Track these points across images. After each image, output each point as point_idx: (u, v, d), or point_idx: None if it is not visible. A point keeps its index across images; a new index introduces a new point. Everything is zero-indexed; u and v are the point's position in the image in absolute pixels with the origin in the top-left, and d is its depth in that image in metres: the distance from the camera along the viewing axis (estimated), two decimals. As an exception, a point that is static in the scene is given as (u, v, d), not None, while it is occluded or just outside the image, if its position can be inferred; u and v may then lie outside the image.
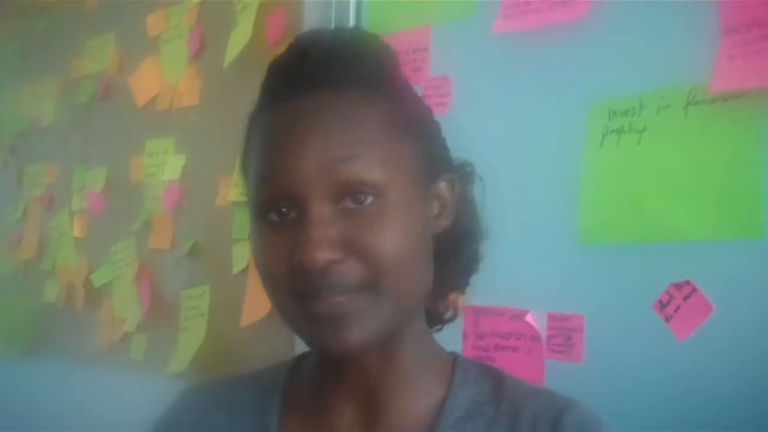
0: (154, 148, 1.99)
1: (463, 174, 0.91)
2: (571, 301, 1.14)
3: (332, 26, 1.51)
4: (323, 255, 0.74)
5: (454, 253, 0.89)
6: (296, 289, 0.77)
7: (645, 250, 1.08)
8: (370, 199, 0.77)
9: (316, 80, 0.80)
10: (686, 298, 1.03)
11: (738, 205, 1.01)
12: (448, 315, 0.94)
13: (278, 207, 0.78)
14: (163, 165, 1.95)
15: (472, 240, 0.91)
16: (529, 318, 1.17)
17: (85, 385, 2.11)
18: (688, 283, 1.03)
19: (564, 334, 1.14)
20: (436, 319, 0.94)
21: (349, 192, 0.76)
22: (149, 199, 1.99)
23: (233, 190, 1.70)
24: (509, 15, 1.25)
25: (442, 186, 0.85)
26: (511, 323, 1.19)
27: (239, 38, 1.70)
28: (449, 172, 0.87)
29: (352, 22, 1.51)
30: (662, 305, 1.05)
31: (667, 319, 1.05)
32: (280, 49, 1.58)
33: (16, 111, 2.69)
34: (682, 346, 1.03)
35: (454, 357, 0.89)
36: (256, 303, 1.60)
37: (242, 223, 1.67)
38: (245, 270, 1.66)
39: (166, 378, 1.80)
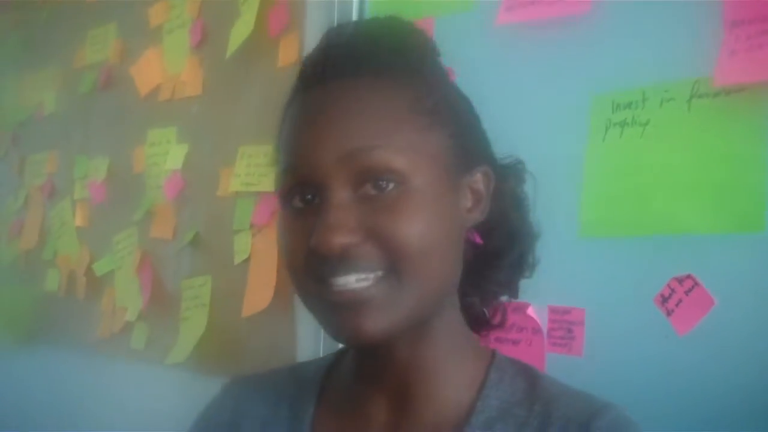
0: (157, 138, 1.99)
1: (513, 171, 0.90)
2: (573, 294, 1.14)
3: (335, 17, 1.52)
4: (338, 239, 0.75)
5: (500, 253, 0.88)
6: (314, 273, 0.77)
7: (647, 244, 1.08)
8: (391, 186, 0.76)
9: (337, 69, 0.81)
10: (688, 292, 1.03)
11: (740, 198, 1.01)
12: (496, 320, 0.93)
13: (303, 193, 0.79)
14: (166, 155, 1.94)
15: (520, 240, 0.90)
16: (530, 311, 1.17)
17: (86, 374, 2.12)
18: (689, 277, 1.03)
19: (565, 327, 1.14)
20: (483, 323, 0.93)
21: (369, 179, 0.77)
22: (151, 189, 1.99)
23: (235, 180, 1.70)
24: (512, 7, 1.25)
25: (478, 178, 0.84)
26: (512, 316, 1.18)
27: (242, 29, 1.70)
28: (486, 165, 0.85)
29: (355, 13, 1.50)
30: (664, 299, 1.05)
31: (669, 313, 1.05)
32: (283, 40, 1.60)
33: (18, 100, 2.69)
34: (683, 340, 1.03)
35: (492, 354, 0.88)
36: (258, 294, 1.60)
37: (243, 214, 1.67)
38: (246, 260, 1.66)
39: (166, 368, 1.80)
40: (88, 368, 2.12)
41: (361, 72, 0.80)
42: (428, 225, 0.77)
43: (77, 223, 2.29)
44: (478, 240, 0.88)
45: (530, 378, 0.85)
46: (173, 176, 1.90)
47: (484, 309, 0.92)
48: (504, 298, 0.94)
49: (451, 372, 0.84)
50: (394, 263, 0.76)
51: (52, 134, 2.47)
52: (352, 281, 0.76)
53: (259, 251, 1.63)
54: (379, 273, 0.76)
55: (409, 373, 0.83)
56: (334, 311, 0.78)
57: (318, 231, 0.75)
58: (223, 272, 1.73)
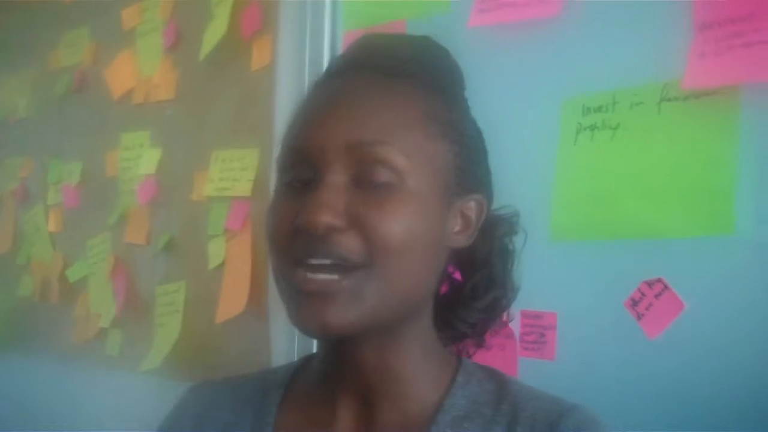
0: (130, 142, 1.97)
1: (507, 221, 0.93)
2: (544, 298, 1.13)
3: (307, 20, 1.51)
4: (325, 218, 0.76)
5: (475, 295, 0.90)
6: (293, 253, 0.78)
7: (617, 247, 1.08)
8: (384, 180, 0.78)
9: (366, 64, 0.83)
10: (658, 295, 1.03)
11: (710, 201, 1.01)
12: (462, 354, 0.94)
13: (300, 173, 0.80)
14: (139, 159, 1.93)
15: (497, 288, 0.92)
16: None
17: (61, 380, 2.10)
18: (659, 280, 1.03)
19: (537, 332, 1.13)
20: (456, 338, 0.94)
21: (367, 170, 0.78)
22: (125, 194, 1.97)
23: (209, 185, 1.69)
24: (484, 10, 1.24)
25: (470, 205, 0.86)
26: (485, 320, 1.19)
27: (215, 31, 1.69)
28: (482, 195, 0.87)
29: (327, 16, 1.50)
30: (634, 303, 1.05)
31: (639, 316, 1.05)
32: (256, 43, 1.59)
33: (-9, 103, 2.67)
34: (653, 344, 1.04)
35: (459, 360, 0.90)
36: (232, 299, 1.59)
37: (218, 219, 1.66)
38: (221, 266, 1.65)
39: (141, 374, 1.79)
40: (63, 375, 2.09)
41: (388, 71, 0.83)
42: (410, 227, 0.78)
43: (51, 228, 2.27)
44: (458, 276, 0.91)
45: (498, 381, 0.87)
46: (147, 180, 1.89)
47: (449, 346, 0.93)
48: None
49: (418, 375, 0.85)
50: (371, 256, 0.77)
51: (25, 138, 2.45)
52: (328, 268, 0.77)
53: (233, 256, 1.62)
54: (353, 263, 0.77)
55: (376, 376, 0.84)
56: (302, 300, 0.78)
57: (307, 207, 0.76)
58: (198, 277, 1.72)
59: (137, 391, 1.82)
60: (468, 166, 0.85)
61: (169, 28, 1.87)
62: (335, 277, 0.77)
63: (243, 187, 1.60)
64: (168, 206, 1.85)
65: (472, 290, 0.90)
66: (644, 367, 1.04)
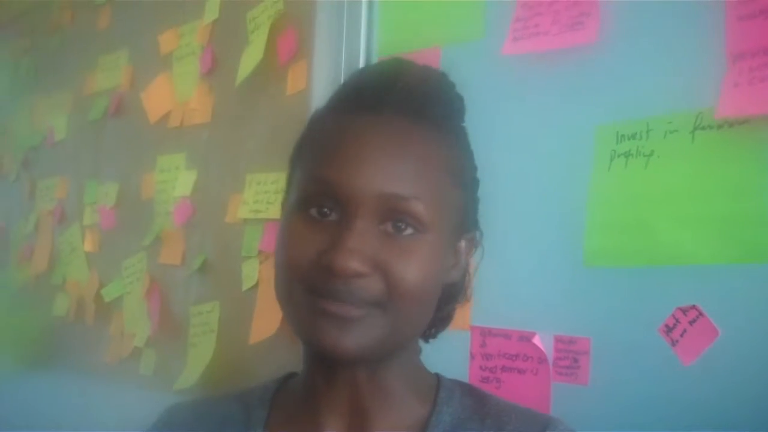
0: (166, 164, 2.00)
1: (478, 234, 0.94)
2: (578, 323, 1.14)
3: (343, 46, 1.53)
4: (355, 265, 0.78)
5: (439, 304, 0.91)
6: (313, 285, 0.80)
7: (651, 274, 1.08)
8: (410, 231, 0.81)
9: (399, 106, 0.84)
10: (692, 322, 1.03)
11: (744, 229, 1.01)
12: None
13: (322, 205, 0.81)
14: (175, 181, 1.96)
15: (454, 301, 0.95)
16: (536, 340, 1.17)
17: (95, 399, 2.12)
18: (694, 307, 1.03)
19: (571, 357, 1.14)
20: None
21: (395, 220, 0.81)
22: (160, 215, 2.00)
23: (243, 207, 1.71)
24: (519, 38, 1.26)
25: (463, 244, 0.90)
26: (519, 345, 1.20)
27: (251, 57, 1.72)
28: (472, 233, 0.91)
29: (362, 42, 1.52)
30: (668, 329, 1.05)
31: (673, 343, 1.05)
32: (291, 68, 1.62)
33: (30, 125, 2.71)
34: (688, 370, 1.04)
35: (437, 377, 0.93)
36: (265, 320, 1.60)
37: (252, 241, 1.68)
38: (254, 287, 1.66)
39: (175, 393, 1.81)
40: (97, 393, 2.12)
41: (419, 119, 0.84)
42: (428, 273, 0.82)
43: (87, 248, 2.30)
44: None
45: (477, 396, 0.91)
46: (182, 202, 1.92)
47: None
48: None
49: (406, 393, 0.89)
50: (390, 298, 0.80)
51: (62, 160, 2.49)
52: (347, 308, 0.80)
53: (267, 278, 1.64)
54: (373, 303, 0.80)
55: (367, 394, 0.87)
56: (319, 321, 0.80)
57: (337, 251, 0.78)
58: (231, 299, 1.74)
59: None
60: (470, 207, 0.90)
61: (206, 53, 1.90)
62: (353, 308, 0.80)
63: (277, 210, 1.61)
64: (203, 228, 1.87)
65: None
66: (678, 394, 1.04)
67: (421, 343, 0.95)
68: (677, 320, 1.05)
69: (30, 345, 2.55)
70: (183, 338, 1.85)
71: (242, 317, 1.67)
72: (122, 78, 2.23)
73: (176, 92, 2.01)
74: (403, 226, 0.81)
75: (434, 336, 0.98)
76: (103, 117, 2.29)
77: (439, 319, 0.95)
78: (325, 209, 0.81)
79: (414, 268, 0.80)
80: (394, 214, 0.80)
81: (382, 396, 0.87)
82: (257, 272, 1.66)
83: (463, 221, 0.88)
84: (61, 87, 2.54)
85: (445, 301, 0.93)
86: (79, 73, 2.43)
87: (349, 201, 0.80)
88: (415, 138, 0.83)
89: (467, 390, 0.92)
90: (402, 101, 0.84)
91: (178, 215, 1.92)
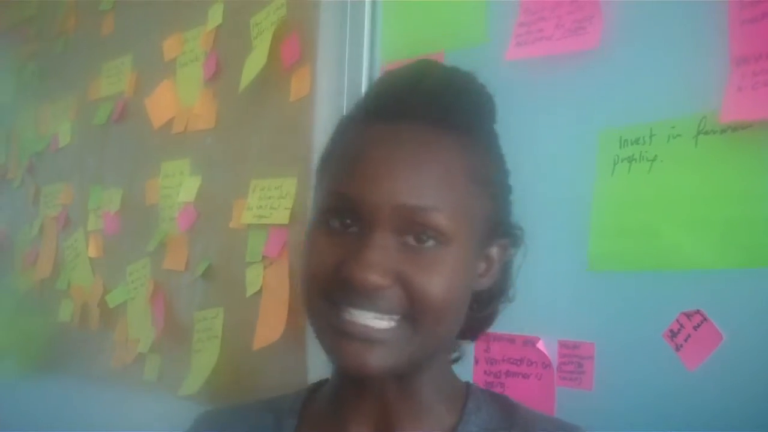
0: (170, 170, 2.01)
1: (513, 239, 0.93)
2: (582, 328, 1.14)
3: (346, 51, 1.53)
4: (374, 278, 0.77)
5: (479, 307, 0.91)
6: (333, 295, 0.80)
7: (655, 279, 1.08)
8: (431, 242, 0.80)
9: (421, 115, 0.82)
10: (696, 327, 1.03)
11: (748, 233, 1.01)
12: (454, 356, 0.97)
13: (343, 216, 0.81)
14: (179, 187, 1.96)
15: (499, 300, 0.94)
16: (540, 345, 1.17)
17: (99, 405, 2.12)
18: (698, 312, 1.03)
19: (575, 362, 1.14)
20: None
21: (416, 231, 0.79)
22: (164, 221, 2.00)
23: (247, 213, 1.71)
24: (522, 43, 1.26)
25: (494, 250, 0.88)
26: (523, 349, 1.20)
27: (255, 62, 1.72)
28: (505, 238, 0.89)
29: (366, 47, 1.52)
30: (672, 334, 1.05)
31: (678, 347, 1.05)
32: (295, 73, 1.62)
33: (34, 131, 2.72)
34: (692, 375, 1.03)
35: (467, 386, 0.92)
36: (269, 326, 1.61)
37: (256, 246, 1.68)
38: (258, 293, 1.66)
39: (178, 399, 1.81)
40: (101, 399, 2.12)
41: (442, 126, 0.82)
42: (452, 285, 0.80)
43: (91, 253, 2.31)
44: None
45: (506, 406, 0.90)
46: (186, 208, 1.92)
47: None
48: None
49: (435, 403, 0.88)
50: (414, 312, 0.79)
51: (66, 165, 2.49)
52: (369, 317, 0.79)
53: (270, 284, 1.64)
54: (396, 317, 0.79)
55: (396, 404, 0.87)
56: (343, 339, 0.80)
57: (357, 263, 0.78)
58: (235, 304, 1.74)
59: (175, 416, 1.84)
60: (500, 215, 0.88)
61: (210, 59, 1.91)
62: (378, 326, 0.79)
63: (281, 216, 1.62)
64: (207, 233, 1.87)
65: (475, 301, 0.90)
66: (683, 399, 1.04)
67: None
68: (681, 325, 1.04)
69: (34, 350, 2.55)
70: (187, 344, 1.85)
71: (246, 323, 1.67)
72: (126, 84, 2.23)
73: (180, 98, 2.01)
74: (424, 238, 0.79)
75: (476, 336, 0.98)
76: (107, 123, 2.29)
77: (480, 320, 0.93)
78: (347, 221, 0.81)
79: (437, 281, 0.79)
80: (414, 226, 0.79)
81: (411, 406, 0.87)
82: (261, 278, 1.66)
83: (490, 231, 0.86)
84: (65, 93, 2.55)
85: (486, 303, 0.92)
86: (83, 78, 2.43)
87: (369, 214, 0.79)
88: (436, 146, 0.81)
89: (497, 400, 0.91)
90: (422, 108, 0.82)
91: (182, 221, 1.93)
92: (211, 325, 1.79)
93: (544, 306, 1.18)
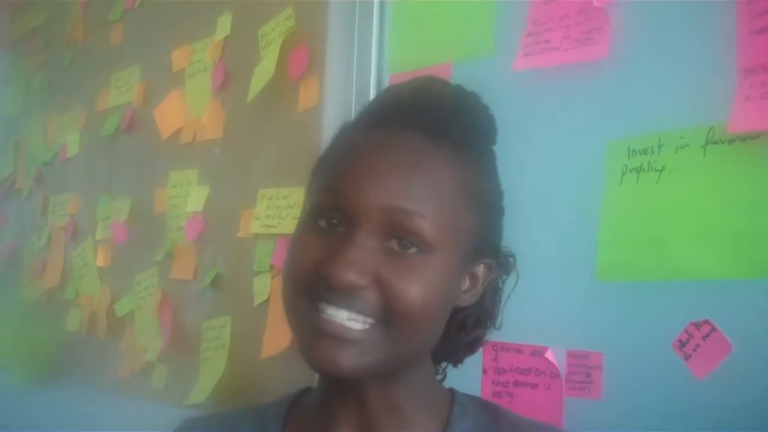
0: (178, 180, 2.01)
1: (504, 263, 0.94)
2: (591, 338, 1.14)
3: (354, 62, 1.54)
4: (352, 277, 0.78)
5: (464, 329, 0.93)
6: (312, 293, 0.80)
7: (664, 289, 1.08)
8: (414, 250, 0.80)
9: (421, 124, 0.83)
10: (705, 337, 1.03)
11: (756, 244, 1.01)
12: (438, 377, 0.98)
13: (331, 217, 0.81)
14: (187, 196, 1.97)
15: (485, 324, 0.95)
16: (548, 355, 1.17)
17: (106, 414, 2.12)
18: (707, 322, 1.03)
19: (583, 372, 1.14)
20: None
21: (399, 236, 0.80)
22: (172, 230, 2.01)
23: (255, 222, 1.71)
24: (530, 53, 1.26)
25: (480, 268, 0.89)
26: (531, 359, 1.20)
27: (263, 73, 1.73)
28: (492, 258, 0.89)
29: (374, 58, 1.52)
30: (681, 344, 1.05)
31: (687, 357, 1.05)
32: (303, 84, 1.63)
33: (42, 141, 2.73)
34: (701, 385, 1.03)
35: (452, 392, 0.93)
36: (277, 335, 1.61)
37: (264, 256, 1.69)
38: (266, 302, 1.67)
39: (186, 408, 1.81)
40: (109, 408, 2.12)
41: (438, 138, 0.83)
42: (431, 294, 0.81)
43: (99, 263, 2.31)
44: None
45: (492, 411, 0.90)
46: (194, 217, 1.92)
47: None
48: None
49: (418, 410, 0.88)
50: (389, 316, 0.79)
51: (75, 175, 2.51)
52: (344, 317, 0.79)
53: (278, 293, 1.63)
54: (371, 320, 0.80)
55: (378, 411, 0.87)
56: (316, 337, 0.80)
57: (335, 262, 0.78)
58: (243, 313, 1.74)
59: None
60: (488, 234, 0.88)
61: (218, 69, 1.91)
62: (353, 326, 0.79)
63: (288, 225, 1.63)
64: (215, 243, 1.88)
65: (460, 325, 0.92)
66: (692, 409, 1.04)
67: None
68: (690, 335, 1.05)
69: (42, 359, 2.55)
70: (195, 353, 1.86)
71: (254, 332, 1.68)
72: (135, 94, 2.24)
73: (188, 108, 2.02)
74: (408, 245, 0.80)
75: (460, 361, 0.98)
76: (115, 133, 2.30)
77: (465, 344, 0.94)
78: (334, 221, 0.81)
79: (415, 288, 0.79)
80: (397, 230, 0.80)
81: (393, 413, 0.87)
82: (269, 287, 1.66)
83: (477, 248, 0.86)
84: (73, 103, 2.56)
85: (471, 327, 0.92)
86: (92, 89, 2.44)
87: (354, 212, 0.80)
88: (429, 155, 0.82)
89: (482, 405, 0.92)
90: (420, 118, 0.83)
91: (190, 230, 1.93)
92: (218, 334, 1.80)
93: (552, 316, 1.18)
